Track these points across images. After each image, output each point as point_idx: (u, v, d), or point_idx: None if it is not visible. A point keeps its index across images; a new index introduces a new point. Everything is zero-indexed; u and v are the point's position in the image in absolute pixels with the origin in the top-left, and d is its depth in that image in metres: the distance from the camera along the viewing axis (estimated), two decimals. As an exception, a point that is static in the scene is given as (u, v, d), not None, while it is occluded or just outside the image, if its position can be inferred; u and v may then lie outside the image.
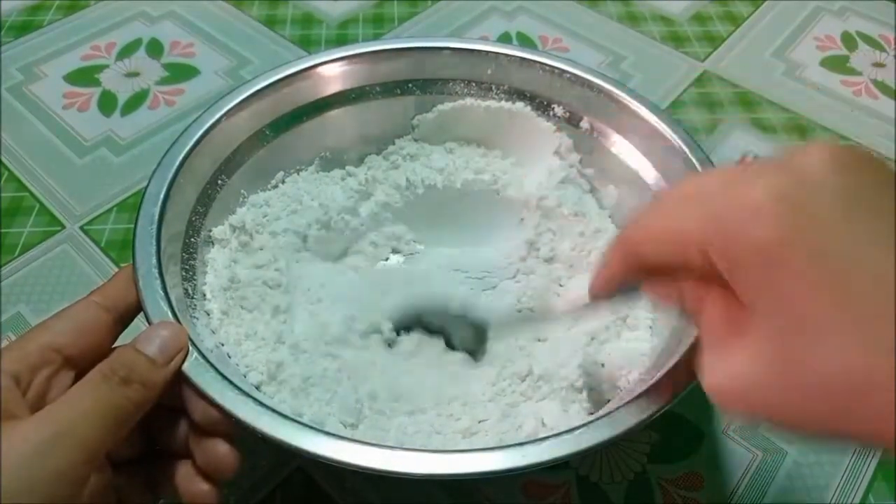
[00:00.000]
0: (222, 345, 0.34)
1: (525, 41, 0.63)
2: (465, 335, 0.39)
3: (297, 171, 0.44)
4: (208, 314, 0.35)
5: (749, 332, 0.21)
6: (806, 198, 0.20)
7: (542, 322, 0.40)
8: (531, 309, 0.40)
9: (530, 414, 0.35)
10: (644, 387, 0.30)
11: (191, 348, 0.29)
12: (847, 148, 0.21)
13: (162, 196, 0.35)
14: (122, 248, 0.47)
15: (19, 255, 0.46)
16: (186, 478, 0.29)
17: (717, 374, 0.23)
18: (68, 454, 0.24)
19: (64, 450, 0.24)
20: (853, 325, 0.19)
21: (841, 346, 0.19)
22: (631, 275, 0.27)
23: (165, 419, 0.30)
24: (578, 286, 0.41)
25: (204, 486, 0.29)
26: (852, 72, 0.62)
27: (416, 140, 0.46)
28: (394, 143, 0.46)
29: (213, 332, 0.34)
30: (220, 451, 0.29)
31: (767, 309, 0.20)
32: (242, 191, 0.41)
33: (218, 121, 0.39)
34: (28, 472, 0.23)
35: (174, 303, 0.31)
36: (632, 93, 0.42)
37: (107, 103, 0.56)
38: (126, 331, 0.31)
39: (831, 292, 0.19)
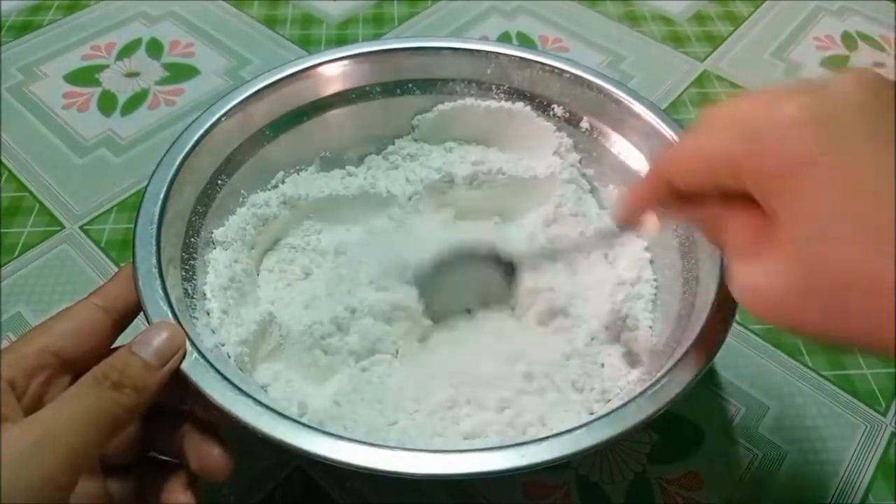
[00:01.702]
0: (223, 345, 0.34)
1: (525, 41, 0.63)
2: (492, 280, 0.39)
3: (297, 171, 0.44)
4: (208, 314, 0.35)
5: (775, 240, 0.23)
6: (836, 118, 0.22)
7: (570, 255, 0.41)
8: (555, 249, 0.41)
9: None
10: (644, 387, 0.30)
11: (191, 348, 0.29)
12: (877, 76, 0.23)
13: (162, 196, 0.35)
14: (122, 248, 0.47)
15: (19, 255, 0.46)
16: (169, 489, 0.29)
17: (745, 280, 0.25)
18: (52, 460, 0.24)
19: (48, 455, 0.24)
20: (864, 235, 0.21)
21: (854, 252, 0.21)
22: (659, 201, 0.29)
23: (163, 420, 0.30)
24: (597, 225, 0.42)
25: (183, 499, 0.29)
26: (852, 72, 0.62)
27: (416, 140, 0.46)
28: (394, 143, 0.46)
29: (214, 332, 0.34)
30: (214, 453, 0.29)
31: (793, 216, 0.22)
32: (242, 191, 0.41)
33: (218, 121, 0.39)
34: (14, 475, 0.23)
35: (174, 303, 0.31)
36: (632, 93, 0.42)
37: (107, 103, 0.56)
38: (128, 329, 0.31)
39: (848, 203, 0.21)
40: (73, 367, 0.28)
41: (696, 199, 0.27)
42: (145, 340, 0.28)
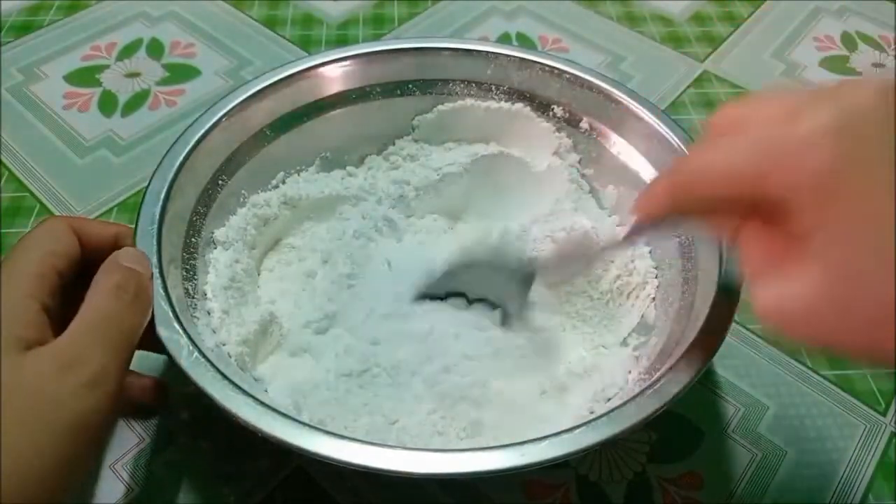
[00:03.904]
0: (223, 344, 0.34)
1: (525, 42, 0.63)
2: (504, 288, 0.38)
3: (298, 172, 0.44)
4: (209, 313, 0.35)
5: (805, 259, 0.22)
6: (859, 130, 0.21)
7: (584, 261, 0.39)
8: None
9: (530, 413, 0.35)
10: (644, 386, 0.30)
11: (192, 348, 0.29)
12: (892, 83, 0.22)
13: (163, 196, 0.35)
14: (123, 249, 0.47)
15: (20, 255, 0.46)
16: None
17: (773, 297, 0.23)
18: (87, 371, 0.26)
19: (84, 368, 0.26)
20: None
21: (890, 277, 0.20)
22: (675, 211, 0.27)
23: None
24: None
25: None
26: (852, 72, 0.62)
27: (416, 140, 0.46)
28: (394, 144, 0.46)
29: (214, 332, 0.34)
30: (146, 382, 0.35)
31: (826, 237, 0.21)
32: (243, 191, 0.41)
33: (218, 121, 0.39)
34: (47, 392, 0.25)
35: (175, 302, 0.31)
36: (631, 93, 0.42)
37: (107, 104, 0.57)
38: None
39: (885, 224, 0.20)
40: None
41: (714, 210, 0.26)
42: (128, 255, 0.30)
